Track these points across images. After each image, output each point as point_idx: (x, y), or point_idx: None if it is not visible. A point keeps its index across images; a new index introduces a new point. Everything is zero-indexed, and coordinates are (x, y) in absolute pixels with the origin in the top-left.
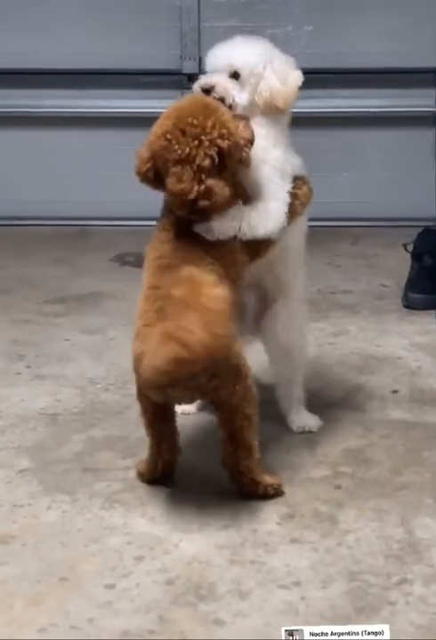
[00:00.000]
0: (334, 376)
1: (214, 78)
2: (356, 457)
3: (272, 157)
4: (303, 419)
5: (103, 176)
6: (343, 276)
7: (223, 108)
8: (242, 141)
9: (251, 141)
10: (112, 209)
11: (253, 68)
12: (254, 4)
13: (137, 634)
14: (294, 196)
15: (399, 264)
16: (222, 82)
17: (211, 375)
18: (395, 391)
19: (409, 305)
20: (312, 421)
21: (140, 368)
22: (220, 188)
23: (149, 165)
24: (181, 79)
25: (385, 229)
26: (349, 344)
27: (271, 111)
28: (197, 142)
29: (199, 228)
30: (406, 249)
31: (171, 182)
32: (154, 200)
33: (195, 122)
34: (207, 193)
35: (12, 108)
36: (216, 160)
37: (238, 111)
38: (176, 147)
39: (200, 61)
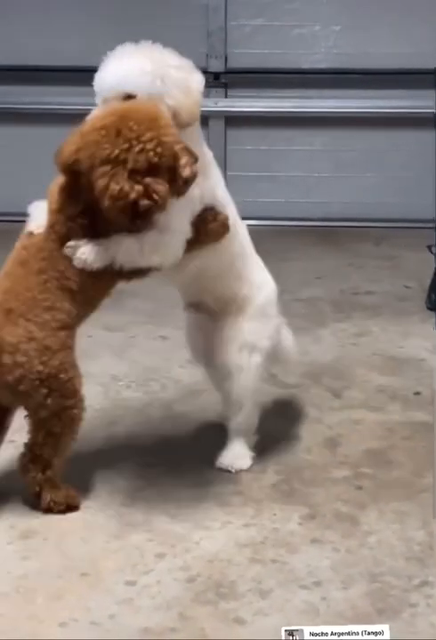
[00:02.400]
0: (356, 377)
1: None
2: (377, 458)
3: None
4: (229, 456)
5: None
6: (366, 277)
7: (174, 132)
8: (178, 174)
9: (187, 181)
10: None
11: (149, 89)
12: (281, 3)
13: (158, 631)
14: (196, 230)
15: (422, 265)
16: None
17: (19, 377)
18: (417, 393)
19: (433, 307)
20: (238, 462)
21: None
22: (160, 185)
23: (77, 157)
24: (207, 77)
25: (409, 230)
26: (371, 345)
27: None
28: (127, 145)
29: (68, 250)
30: (430, 250)
31: (102, 182)
32: None
33: (134, 127)
34: (147, 191)
35: (25, 104)
36: (144, 167)
37: None
38: (106, 145)
39: (226, 60)
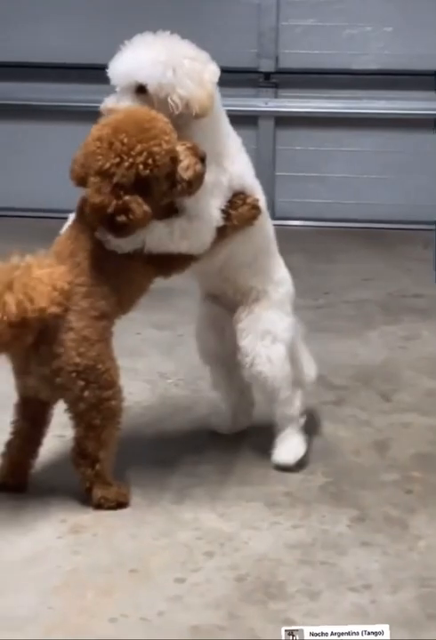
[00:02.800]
0: (405, 380)
1: (111, 103)
2: (427, 462)
3: None
4: (285, 450)
5: None
6: (414, 280)
7: (165, 137)
8: (178, 177)
9: (190, 182)
10: None
11: (160, 80)
12: (332, 4)
13: (207, 629)
14: (227, 215)
15: None
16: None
17: (56, 369)
18: None
19: None
20: (294, 452)
21: None
22: (138, 204)
23: (86, 171)
24: (257, 77)
25: None
26: (420, 348)
27: (189, 119)
28: (118, 160)
29: (99, 233)
30: None
31: (89, 193)
32: None
33: (125, 140)
34: (124, 208)
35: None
36: (131, 181)
37: None
38: (99, 156)
39: (277, 60)
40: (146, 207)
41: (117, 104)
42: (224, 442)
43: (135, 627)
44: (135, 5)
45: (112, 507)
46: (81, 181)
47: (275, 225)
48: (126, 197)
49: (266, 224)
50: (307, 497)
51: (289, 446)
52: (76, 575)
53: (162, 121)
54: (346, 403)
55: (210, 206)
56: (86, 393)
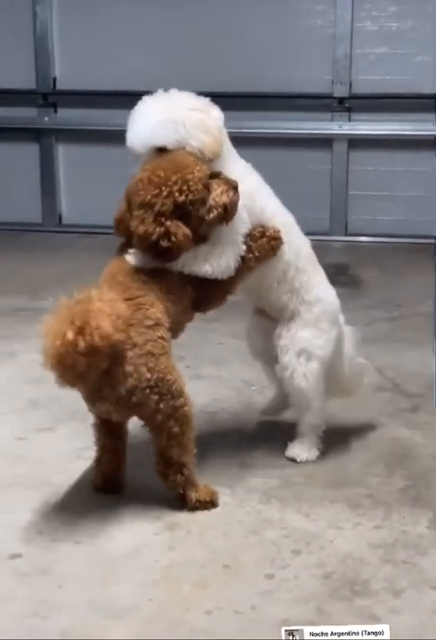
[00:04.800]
0: None
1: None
2: None
3: None
4: (297, 448)
5: None
6: None
7: (196, 168)
8: (213, 202)
9: (225, 207)
10: None
11: (175, 137)
12: (405, 32)
13: (297, 623)
14: (248, 247)
15: None
16: None
17: (131, 389)
18: None
19: None
20: (304, 454)
21: None
22: (177, 228)
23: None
24: (331, 102)
25: None
26: None
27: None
28: (157, 191)
29: (129, 256)
30: None
31: (134, 225)
32: None
33: (161, 174)
34: (167, 233)
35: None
36: (170, 208)
37: None
38: (141, 192)
39: (351, 86)
40: (186, 229)
41: None
42: None
43: (230, 619)
44: (207, 35)
45: (203, 508)
46: (123, 234)
47: (347, 241)
48: (167, 223)
49: (295, 240)
50: (387, 499)
51: (307, 448)
52: (172, 569)
53: (193, 156)
54: (421, 410)
55: (231, 234)
56: (162, 405)
